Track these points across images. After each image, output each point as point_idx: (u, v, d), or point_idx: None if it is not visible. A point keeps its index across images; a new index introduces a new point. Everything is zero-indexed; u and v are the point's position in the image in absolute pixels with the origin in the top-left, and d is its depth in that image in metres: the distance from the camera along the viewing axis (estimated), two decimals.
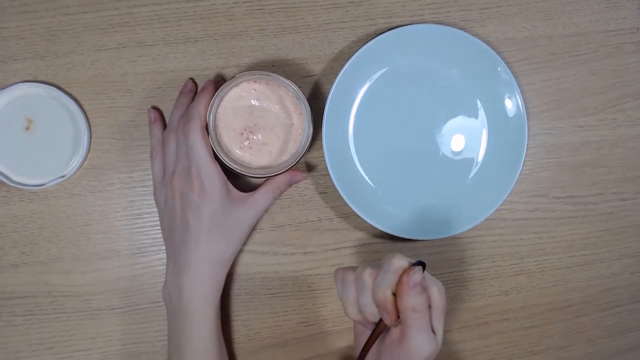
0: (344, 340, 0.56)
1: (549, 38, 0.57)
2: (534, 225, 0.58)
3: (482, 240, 0.57)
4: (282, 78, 0.46)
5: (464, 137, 0.55)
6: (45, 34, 0.52)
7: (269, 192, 0.50)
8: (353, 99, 0.54)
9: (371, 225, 0.53)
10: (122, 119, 0.53)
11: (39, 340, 0.53)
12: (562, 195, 0.58)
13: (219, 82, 0.52)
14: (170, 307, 0.49)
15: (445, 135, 0.55)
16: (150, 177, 0.53)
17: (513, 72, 0.54)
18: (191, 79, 0.53)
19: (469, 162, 0.56)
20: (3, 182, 0.51)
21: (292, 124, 0.48)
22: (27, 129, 0.51)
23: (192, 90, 0.53)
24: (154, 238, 0.54)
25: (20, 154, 0.51)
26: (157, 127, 0.52)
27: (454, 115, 0.55)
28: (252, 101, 0.47)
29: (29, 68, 0.52)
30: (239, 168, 0.46)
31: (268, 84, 0.47)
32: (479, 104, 0.55)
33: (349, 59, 0.51)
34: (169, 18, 0.53)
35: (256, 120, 0.47)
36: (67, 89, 0.52)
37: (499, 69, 0.53)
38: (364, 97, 0.54)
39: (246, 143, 0.47)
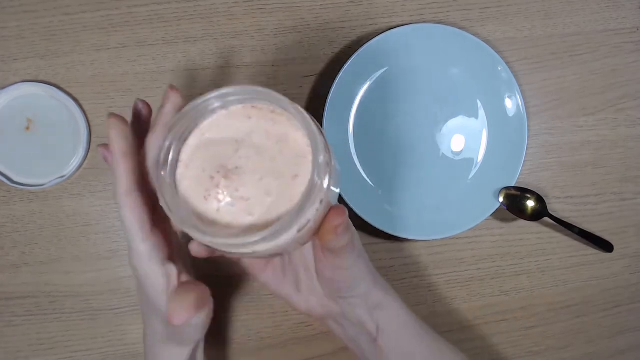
0: None
1: (549, 38, 0.57)
2: (534, 225, 0.58)
3: (482, 240, 0.57)
4: (295, 107, 0.30)
5: (464, 137, 0.55)
6: (45, 34, 0.52)
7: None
8: (353, 99, 0.54)
9: (371, 225, 0.53)
10: None
11: (39, 340, 0.53)
12: (562, 195, 0.58)
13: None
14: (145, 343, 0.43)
15: (445, 135, 0.55)
16: None
17: (513, 72, 0.54)
18: (141, 100, 0.37)
19: (469, 162, 0.56)
20: (3, 182, 0.51)
21: (296, 176, 0.30)
22: (27, 129, 0.51)
23: (144, 116, 0.37)
24: None
25: (20, 154, 0.51)
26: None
27: (454, 115, 0.55)
28: (242, 134, 0.31)
29: (29, 68, 0.52)
30: (197, 233, 0.28)
31: (273, 112, 0.32)
32: (479, 104, 0.55)
33: (349, 59, 0.51)
34: (169, 18, 0.53)
35: (239, 162, 0.30)
36: (67, 89, 0.52)
37: (499, 69, 0.53)
38: (364, 97, 0.54)
39: (215, 193, 0.30)
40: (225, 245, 0.29)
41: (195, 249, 0.32)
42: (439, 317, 0.57)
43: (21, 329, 0.53)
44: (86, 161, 0.53)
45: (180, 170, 0.31)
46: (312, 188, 0.28)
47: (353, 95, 0.54)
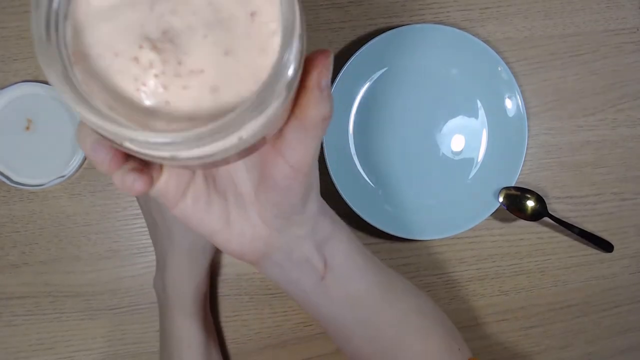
0: None
1: (549, 38, 0.57)
2: (534, 225, 0.58)
3: (482, 240, 0.57)
4: None
5: (464, 137, 0.55)
6: None
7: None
8: (353, 99, 0.54)
9: (371, 225, 0.53)
10: None
11: (39, 340, 0.53)
12: (562, 195, 0.58)
13: None
14: (158, 303, 0.50)
15: (445, 135, 0.55)
16: None
17: (513, 72, 0.54)
18: None
19: (469, 162, 0.56)
20: (3, 182, 0.51)
21: (253, 13, 0.21)
22: (27, 129, 0.51)
23: None
24: None
25: (20, 154, 0.51)
26: None
27: (454, 115, 0.55)
28: None
29: (29, 68, 0.52)
30: (136, 137, 0.19)
31: None
32: (479, 104, 0.55)
33: (349, 59, 0.51)
34: None
35: (167, 21, 0.21)
36: None
37: (499, 69, 0.53)
38: (364, 97, 0.54)
39: (150, 78, 0.20)
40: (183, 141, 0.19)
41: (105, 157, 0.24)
42: None
43: (21, 329, 0.53)
44: (86, 161, 0.53)
45: (77, 68, 0.20)
46: (287, 44, 0.19)
47: (353, 95, 0.54)
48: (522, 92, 0.55)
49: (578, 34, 0.58)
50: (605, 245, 0.57)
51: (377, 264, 0.38)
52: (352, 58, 0.51)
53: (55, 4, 0.20)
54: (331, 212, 0.36)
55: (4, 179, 0.51)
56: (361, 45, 0.52)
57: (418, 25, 0.53)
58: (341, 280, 0.35)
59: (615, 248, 0.57)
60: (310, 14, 0.54)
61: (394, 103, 0.54)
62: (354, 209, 0.52)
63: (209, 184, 0.30)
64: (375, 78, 0.54)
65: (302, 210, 0.31)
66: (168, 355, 0.48)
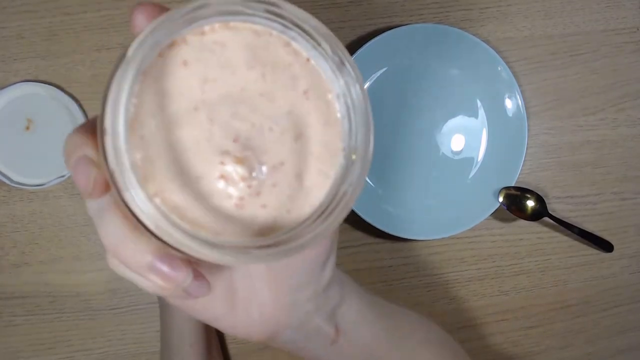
0: None
1: (549, 38, 0.57)
2: (534, 225, 0.58)
3: (482, 240, 0.57)
4: (332, 44, 0.20)
5: (464, 136, 0.55)
6: (46, 34, 0.52)
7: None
8: None
9: (371, 225, 0.53)
10: None
11: (39, 340, 0.53)
12: (562, 195, 0.58)
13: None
14: (159, 303, 0.50)
15: (445, 135, 0.55)
16: None
17: (513, 72, 0.54)
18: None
19: (469, 161, 0.56)
20: (3, 182, 0.51)
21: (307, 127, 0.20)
22: (27, 129, 0.51)
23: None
24: None
25: (20, 154, 0.51)
26: None
27: (454, 115, 0.55)
28: (237, 85, 0.20)
29: (30, 68, 0.52)
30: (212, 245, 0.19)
31: (271, 34, 0.20)
32: (479, 104, 0.55)
33: None
34: None
35: (246, 125, 0.20)
36: (67, 89, 0.52)
37: (499, 69, 0.53)
38: None
39: (244, 184, 0.20)
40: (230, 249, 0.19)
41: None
42: (438, 317, 0.57)
43: (21, 329, 0.53)
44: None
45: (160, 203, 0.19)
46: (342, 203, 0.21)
47: None
48: (522, 92, 0.55)
49: (578, 33, 0.58)
50: (605, 245, 0.57)
51: (383, 308, 0.38)
52: (352, 58, 0.51)
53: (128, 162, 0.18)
54: (339, 274, 0.34)
55: (4, 179, 0.51)
56: (361, 45, 0.52)
57: (418, 25, 0.53)
58: (353, 339, 0.35)
59: (615, 248, 0.57)
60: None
61: (394, 103, 0.54)
62: (354, 208, 0.52)
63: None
64: (375, 78, 0.54)
65: (319, 278, 0.29)
66: (169, 355, 0.48)
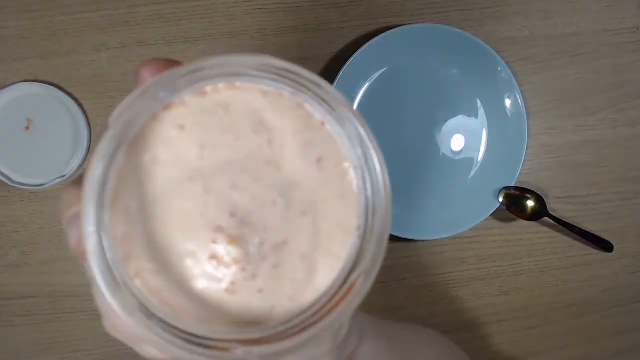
0: None
1: (549, 38, 0.57)
2: (533, 225, 0.58)
3: (482, 240, 0.57)
4: (321, 86, 0.18)
5: (464, 136, 0.55)
6: (46, 34, 0.52)
7: None
8: (353, 99, 0.54)
9: None
10: None
11: (39, 340, 0.53)
12: (562, 195, 0.58)
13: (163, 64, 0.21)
14: None
15: (445, 135, 0.55)
16: None
17: (513, 72, 0.54)
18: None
19: (469, 161, 0.56)
20: (3, 182, 0.51)
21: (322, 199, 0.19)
22: (27, 129, 0.51)
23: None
24: None
25: (20, 154, 0.51)
26: None
27: (454, 115, 0.55)
28: (238, 153, 0.19)
29: (29, 67, 0.52)
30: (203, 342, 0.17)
31: (282, 95, 0.19)
32: (479, 104, 0.55)
33: (349, 59, 0.51)
34: (169, 18, 0.53)
35: (246, 198, 0.18)
36: (67, 89, 0.52)
37: (499, 69, 0.53)
38: (364, 97, 0.54)
39: (238, 266, 0.18)
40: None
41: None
42: (438, 317, 0.57)
43: (21, 329, 0.53)
44: (86, 161, 0.53)
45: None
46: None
47: (353, 95, 0.54)
48: (522, 92, 0.55)
49: (578, 33, 0.58)
50: (605, 245, 0.57)
51: (394, 339, 0.37)
52: (352, 58, 0.51)
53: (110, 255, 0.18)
54: (355, 322, 0.33)
55: (4, 179, 0.51)
56: (361, 45, 0.52)
57: (418, 25, 0.53)
58: None
59: (615, 248, 0.57)
60: (310, 14, 0.54)
61: (394, 103, 0.54)
62: None
63: None
64: (375, 78, 0.54)
65: (336, 337, 0.27)
66: None
